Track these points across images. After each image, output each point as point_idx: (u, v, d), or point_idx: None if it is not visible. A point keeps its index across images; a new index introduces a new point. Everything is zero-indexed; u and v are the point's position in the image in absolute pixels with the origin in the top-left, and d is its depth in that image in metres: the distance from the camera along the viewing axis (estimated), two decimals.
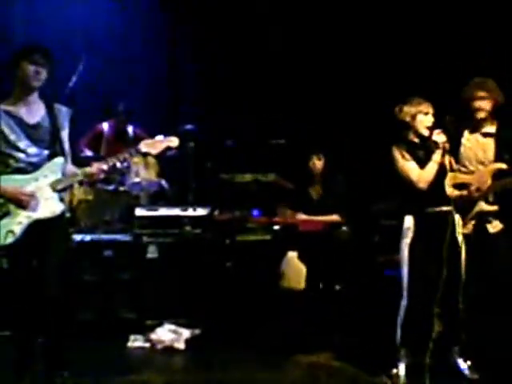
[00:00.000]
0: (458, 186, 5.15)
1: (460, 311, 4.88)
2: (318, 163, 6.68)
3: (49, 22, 8.00)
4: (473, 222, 5.11)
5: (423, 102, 4.99)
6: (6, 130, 4.37)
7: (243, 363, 5.39)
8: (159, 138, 4.77)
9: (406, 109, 4.98)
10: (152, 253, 6.36)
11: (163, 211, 6.56)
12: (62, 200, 4.48)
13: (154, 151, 4.66)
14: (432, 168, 4.89)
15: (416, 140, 4.98)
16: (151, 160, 7.27)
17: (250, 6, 7.98)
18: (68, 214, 6.47)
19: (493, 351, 5.08)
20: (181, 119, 7.68)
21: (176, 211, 6.53)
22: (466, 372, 4.94)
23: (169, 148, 4.75)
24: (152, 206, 6.69)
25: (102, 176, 4.59)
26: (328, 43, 7.76)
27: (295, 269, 6.39)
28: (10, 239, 4.22)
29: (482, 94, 5.14)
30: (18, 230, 4.24)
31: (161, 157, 7.25)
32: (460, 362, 4.97)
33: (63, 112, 4.62)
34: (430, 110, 4.96)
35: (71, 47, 7.74)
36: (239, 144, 7.08)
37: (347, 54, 7.69)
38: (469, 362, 4.97)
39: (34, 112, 4.52)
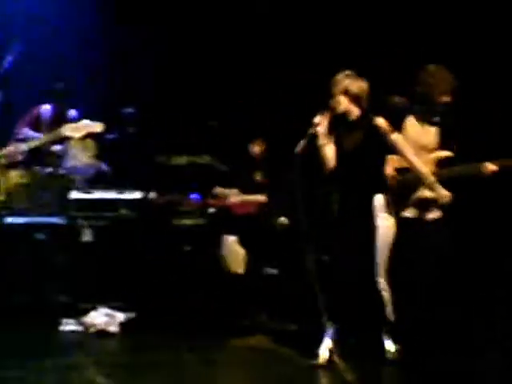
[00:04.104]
0: (399, 169, 5.18)
1: (381, 292, 4.88)
2: (257, 149, 6.70)
3: None
4: (413, 207, 5.17)
5: None
6: None
7: (175, 346, 5.36)
8: (84, 122, 4.74)
9: None
10: (87, 236, 6.30)
11: (99, 194, 6.49)
12: None
13: (77, 135, 4.60)
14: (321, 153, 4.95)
15: None
16: (90, 143, 7.17)
17: None
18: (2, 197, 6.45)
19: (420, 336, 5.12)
20: (123, 102, 7.59)
21: (112, 194, 6.47)
22: (389, 354, 4.93)
23: (92, 133, 4.69)
24: (88, 189, 6.61)
25: (20, 157, 4.52)
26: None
27: (235, 253, 6.38)
28: None
29: (450, 88, 5.14)
30: None
31: (100, 140, 7.27)
32: (387, 343, 4.98)
33: None
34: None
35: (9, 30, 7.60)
36: (179, 127, 7.03)
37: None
38: (397, 346, 4.96)
39: None
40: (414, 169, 5.00)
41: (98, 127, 4.72)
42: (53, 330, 5.73)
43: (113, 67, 8.17)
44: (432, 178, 5.02)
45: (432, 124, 5.27)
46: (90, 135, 4.83)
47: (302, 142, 4.90)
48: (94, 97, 8.02)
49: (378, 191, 4.96)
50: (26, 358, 4.95)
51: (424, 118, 5.26)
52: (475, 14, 6.53)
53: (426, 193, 5.14)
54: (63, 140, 5.76)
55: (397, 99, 5.35)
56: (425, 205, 5.17)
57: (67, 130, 4.59)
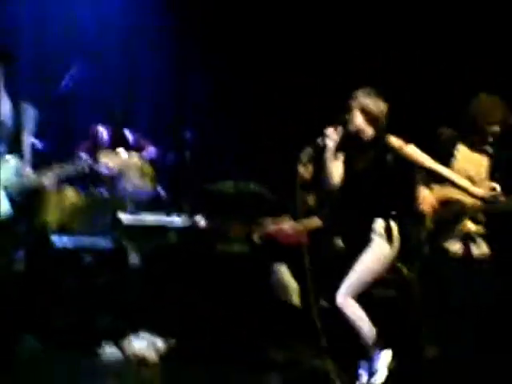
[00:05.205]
0: (443, 202, 4.96)
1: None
2: (304, 171, 6.44)
3: (57, 23, 8.05)
4: (457, 241, 4.91)
5: None
6: None
7: (213, 378, 5.21)
8: (120, 150, 4.69)
9: None
10: (133, 259, 6.23)
11: (147, 218, 6.44)
12: (11, 200, 4.35)
13: (111, 164, 4.53)
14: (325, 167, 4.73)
15: None
16: (147, 167, 7.15)
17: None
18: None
19: None
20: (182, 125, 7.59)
21: (159, 219, 6.40)
22: None
23: (128, 163, 4.62)
24: (137, 213, 6.56)
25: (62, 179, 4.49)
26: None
27: (286, 282, 6.17)
28: None
29: (500, 118, 4.91)
30: None
31: (157, 164, 7.26)
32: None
33: (29, 112, 4.51)
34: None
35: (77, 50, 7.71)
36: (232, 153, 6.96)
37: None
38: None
39: None
40: (439, 175, 4.67)
41: (133, 158, 4.63)
42: (92, 355, 5.64)
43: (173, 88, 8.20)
44: (464, 182, 4.70)
45: (482, 154, 5.04)
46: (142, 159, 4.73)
47: (308, 150, 4.71)
48: (153, 118, 8.14)
49: (380, 216, 4.64)
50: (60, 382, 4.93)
51: (473, 148, 5.03)
52: None
53: (470, 226, 4.90)
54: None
55: (445, 130, 5.12)
56: (470, 238, 4.89)
57: (103, 156, 4.51)
